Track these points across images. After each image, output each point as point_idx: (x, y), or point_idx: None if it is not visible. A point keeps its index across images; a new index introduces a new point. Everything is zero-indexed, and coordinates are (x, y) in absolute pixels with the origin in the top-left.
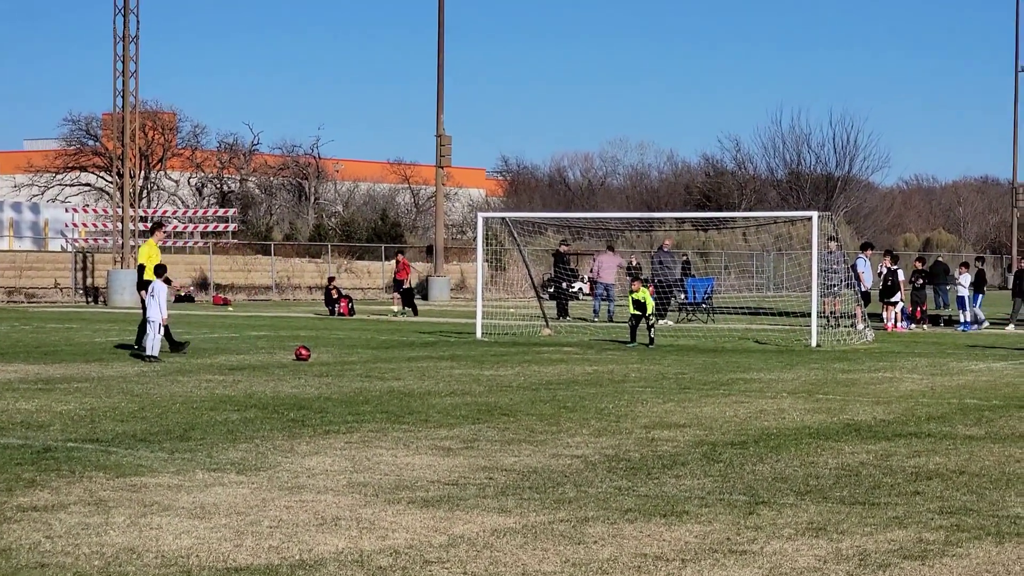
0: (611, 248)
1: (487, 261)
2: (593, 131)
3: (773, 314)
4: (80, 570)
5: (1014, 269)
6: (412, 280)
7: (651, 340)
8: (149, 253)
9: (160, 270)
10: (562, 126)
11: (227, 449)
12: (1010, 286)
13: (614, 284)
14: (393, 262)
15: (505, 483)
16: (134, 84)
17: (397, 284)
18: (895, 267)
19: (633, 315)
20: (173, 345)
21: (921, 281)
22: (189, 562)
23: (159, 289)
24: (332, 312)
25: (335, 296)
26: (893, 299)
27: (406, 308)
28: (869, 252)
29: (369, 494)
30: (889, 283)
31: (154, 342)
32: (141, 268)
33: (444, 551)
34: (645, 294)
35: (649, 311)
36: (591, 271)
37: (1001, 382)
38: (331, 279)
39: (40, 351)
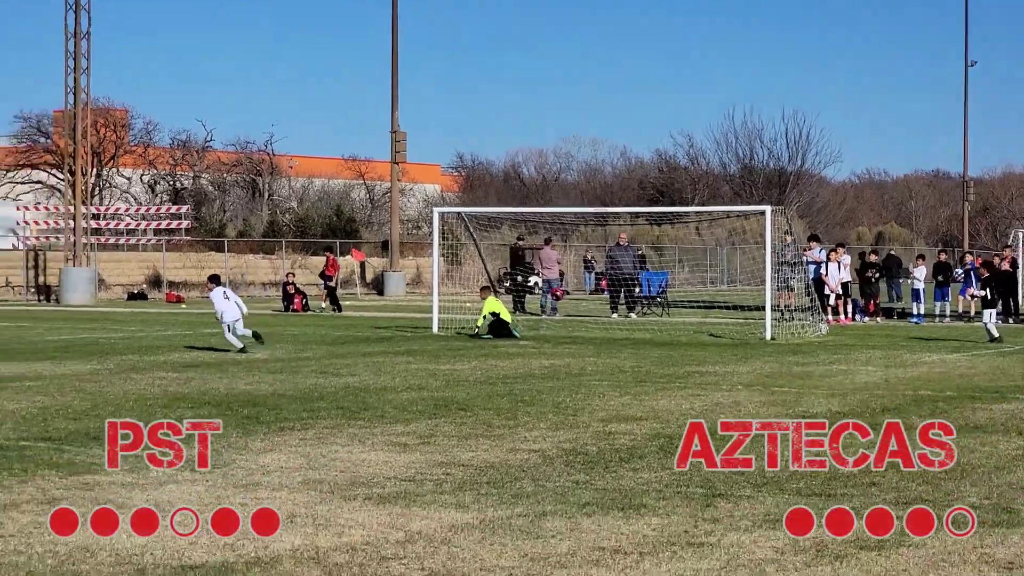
0: (548, 242)
1: (443, 256)
2: (547, 128)
3: (728, 308)
4: (33, 569)
5: (966, 262)
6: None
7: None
8: None
9: None
10: (517, 123)
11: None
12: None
13: (556, 278)
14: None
15: (462, 478)
16: (86, 81)
17: (325, 279)
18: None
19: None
20: None
21: (876, 274)
22: (144, 560)
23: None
24: (287, 308)
25: (292, 292)
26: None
27: (331, 305)
28: (816, 245)
29: (325, 491)
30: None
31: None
32: None
33: (401, 547)
34: (494, 302)
35: (482, 315)
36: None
37: (955, 373)
38: (290, 275)
39: None
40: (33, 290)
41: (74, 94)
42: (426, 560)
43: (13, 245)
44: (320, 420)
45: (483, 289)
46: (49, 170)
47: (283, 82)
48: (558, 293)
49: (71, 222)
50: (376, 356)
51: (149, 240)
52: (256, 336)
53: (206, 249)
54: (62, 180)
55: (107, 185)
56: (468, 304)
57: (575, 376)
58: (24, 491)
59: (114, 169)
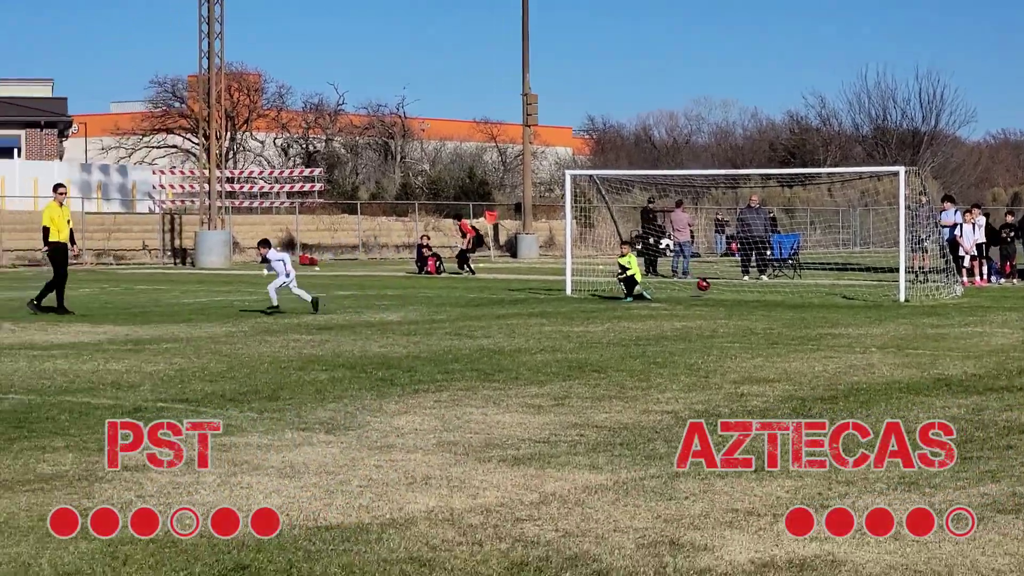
0: (680, 205)
1: (575, 218)
2: (678, 90)
3: (860, 270)
4: (167, 528)
5: None
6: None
7: (628, 294)
8: (51, 215)
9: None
10: (647, 85)
11: (316, 409)
12: None
13: (688, 241)
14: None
15: (596, 440)
16: (219, 45)
17: (475, 242)
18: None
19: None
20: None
21: (1012, 235)
22: (280, 521)
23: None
24: (420, 270)
25: (426, 254)
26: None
27: (461, 267)
28: (950, 206)
29: (459, 452)
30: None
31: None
32: (46, 230)
33: (535, 508)
34: (631, 259)
35: (631, 273)
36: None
37: None
38: (424, 237)
39: (129, 312)
40: (169, 253)
41: (208, 59)
42: (560, 521)
43: (149, 209)
44: (454, 382)
45: (624, 244)
46: (184, 134)
47: (415, 45)
48: (703, 285)
49: (206, 186)
50: (510, 318)
51: (282, 203)
52: (275, 309)
53: (339, 212)
54: (197, 144)
55: (241, 149)
56: (600, 266)
57: (707, 338)
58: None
59: (248, 133)
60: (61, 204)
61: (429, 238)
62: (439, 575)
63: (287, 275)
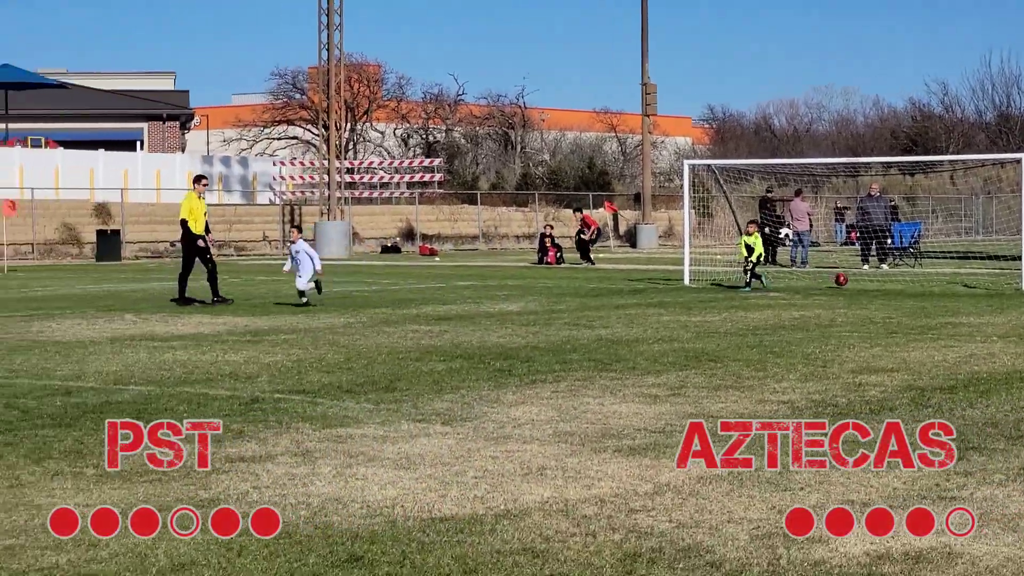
0: (799, 194)
1: (694, 208)
2: (798, 78)
3: (982, 258)
4: (286, 520)
5: None
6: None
7: (747, 283)
8: (190, 207)
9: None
10: (767, 73)
11: (432, 400)
12: None
13: (807, 230)
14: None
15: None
16: (339, 37)
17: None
18: None
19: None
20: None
21: None
22: (394, 512)
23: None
24: (540, 260)
25: (548, 244)
26: None
27: (582, 257)
28: None
29: (575, 443)
30: None
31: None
32: (184, 222)
33: (649, 499)
34: (756, 239)
35: (756, 254)
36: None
37: None
38: (548, 227)
39: (249, 303)
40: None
41: (327, 50)
42: (674, 512)
43: (270, 200)
44: (572, 372)
45: (752, 223)
46: (304, 126)
47: (534, 35)
48: (842, 280)
49: (326, 177)
50: (628, 308)
51: (402, 193)
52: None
53: (458, 202)
54: (317, 135)
55: (361, 139)
56: (719, 256)
57: (825, 327)
58: (279, 443)
59: (368, 124)
60: (200, 196)
61: (552, 227)
62: (552, 566)
63: (301, 269)
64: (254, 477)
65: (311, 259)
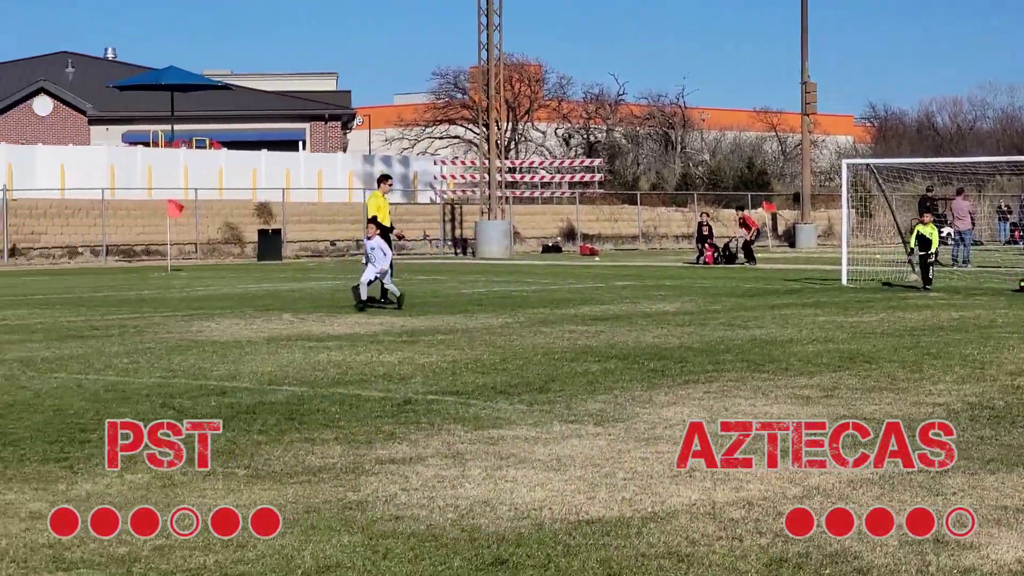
0: (961, 192)
1: (853, 208)
2: (961, 75)
3: None
4: (434, 523)
5: None
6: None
7: (928, 281)
8: (377, 204)
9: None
10: (930, 71)
11: (586, 400)
12: None
13: (968, 229)
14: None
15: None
16: (498, 37)
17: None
18: None
19: (919, 254)
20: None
21: None
22: (542, 515)
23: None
24: (698, 260)
25: (705, 233)
26: None
27: (746, 258)
28: None
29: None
30: None
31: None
32: (374, 219)
33: (798, 502)
34: (932, 229)
35: (933, 248)
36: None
37: None
38: (704, 215)
39: (407, 303)
40: (449, 243)
41: (487, 50)
42: (822, 516)
43: (431, 199)
44: (725, 373)
45: (926, 212)
46: (466, 125)
47: (694, 34)
48: None
49: (487, 176)
50: (784, 308)
51: (564, 193)
52: (365, 304)
53: (619, 202)
54: (478, 135)
55: (522, 139)
56: (878, 256)
57: (984, 328)
58: (430, 445)
59: (529, 123)
60: (385, 195)
61: (708, 215)
62: (696, 570)
63: (374, 264)
64: (403, 479)
65: (385, 256)
